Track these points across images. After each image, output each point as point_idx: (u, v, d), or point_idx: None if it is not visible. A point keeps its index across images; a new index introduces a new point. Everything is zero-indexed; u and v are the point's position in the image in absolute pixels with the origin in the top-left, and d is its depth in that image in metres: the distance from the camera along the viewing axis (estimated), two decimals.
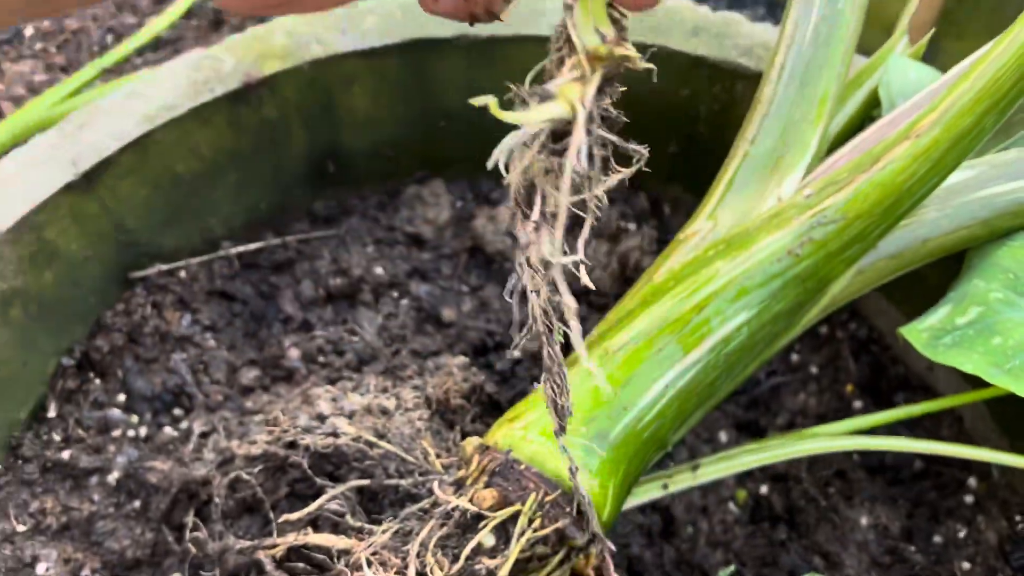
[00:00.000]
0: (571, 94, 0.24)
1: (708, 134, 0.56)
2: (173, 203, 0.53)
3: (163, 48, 0.87)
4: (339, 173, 0.59)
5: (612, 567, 0.35)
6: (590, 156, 0.24)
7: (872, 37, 1.05)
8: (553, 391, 0.30)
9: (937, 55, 1.01)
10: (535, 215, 0.24)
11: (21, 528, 0.48)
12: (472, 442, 0.39)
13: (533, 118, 0.23)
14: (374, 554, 0.34)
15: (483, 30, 0.54)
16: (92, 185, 0.48)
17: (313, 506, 0.39)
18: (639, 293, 0.42)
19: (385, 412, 0.43)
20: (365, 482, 0.40)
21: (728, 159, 0.45)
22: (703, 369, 0.39)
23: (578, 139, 0.23)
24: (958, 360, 0.38)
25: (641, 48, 0.51)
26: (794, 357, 0.56)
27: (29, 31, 0.88)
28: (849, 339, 0.57)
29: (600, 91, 0.24)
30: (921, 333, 0.40)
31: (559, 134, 0.24)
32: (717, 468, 0.44)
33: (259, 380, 0.52)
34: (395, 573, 0.33)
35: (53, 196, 0.46)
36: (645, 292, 0.42)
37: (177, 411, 0.52)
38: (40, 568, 0.46)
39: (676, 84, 0.54)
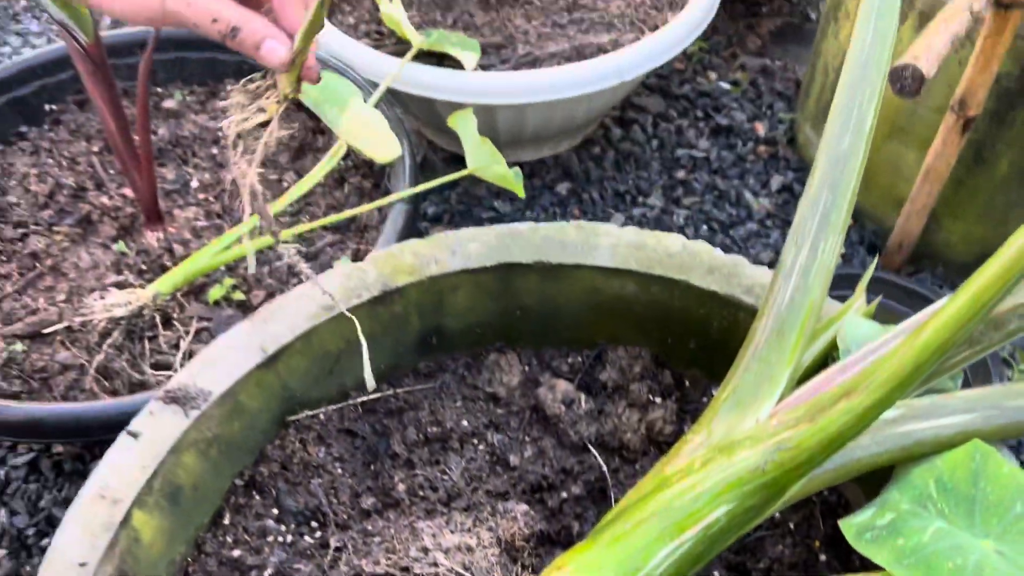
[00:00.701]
0: (272, 108, 0.57)
1: (719, 338, 0.74)
2: (323, 370, 0.73)
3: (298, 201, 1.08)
4: (439, 344, 0.79)
5: None
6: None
7: (885, 210, 1.23)
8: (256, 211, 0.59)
9: (939, 232, 1.18)
10: (242, 154, 0.58)
11: None
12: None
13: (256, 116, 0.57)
14: None
15: (551, 259, 0.73)
16: (273, 363, 0.68)
17: None
18: (653, 479, 0.60)
19: (470, 549, 0.62)
20: None
21: (725, 382, 0.63)
22: (693, 544, 0.56)
23: (273, 125, 0.56)
24: (873, 553, 0.55)
25: (670, 283, 0.72)
26: (777, 515, 0.73)
27: (195, 183, 1.11)
28: (821, 503, 0.74)
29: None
30: (852, 527, 0.57)
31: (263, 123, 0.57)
32: None
33: (374, 506, 0.71)
34: None
35: (248, 372, 0.66)
36: (657, 480, 0.59)
37: (314, 524, 0.71)
38: None
39: (695, 305, 0.72)
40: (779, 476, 0.56)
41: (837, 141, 0.63)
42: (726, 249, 1.29)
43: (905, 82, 0.80)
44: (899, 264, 1.20)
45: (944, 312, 0.49)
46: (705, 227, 1.32)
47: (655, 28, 1.24)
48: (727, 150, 1.43)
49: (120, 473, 0.61)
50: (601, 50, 1.21)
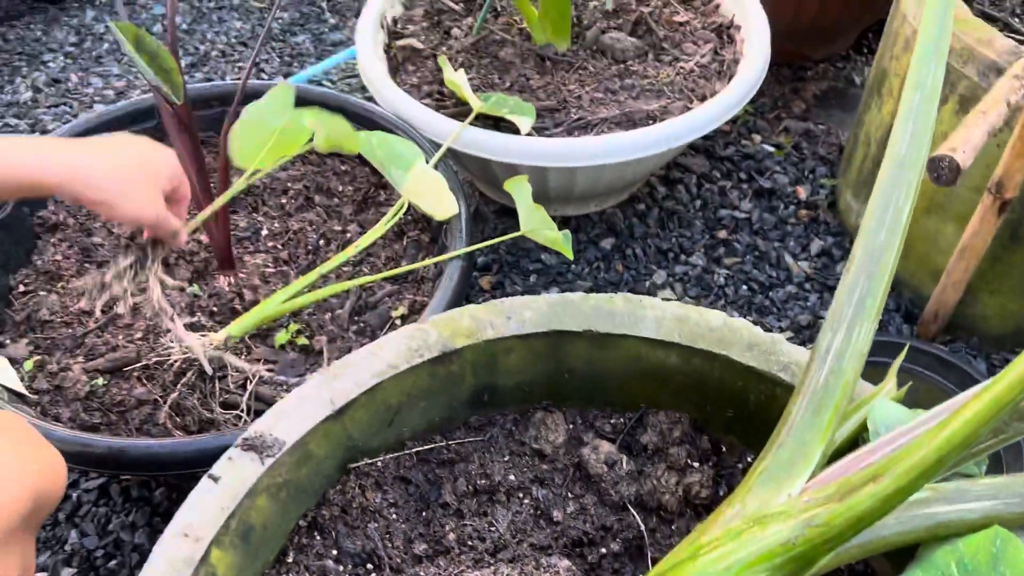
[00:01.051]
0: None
1: (755, 409, 0.79)
2: (383, 421, 0.78)
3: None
4: (490, 400, 0.84)
5: None
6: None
7: (922, 279, 1.26)
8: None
9: (974, 304, 1.21)
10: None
11: None
12: None
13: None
14: None
15: (600, 328, 0.78)
16: (340, 416, 0.74)
17: None
18: (689, 547, 0.64)
19: None
20: None
21: (760, 457, 0.67)
22: None
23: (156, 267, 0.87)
24: None
25: (711, 356, 0.76)
26: None
27: (264, 231, 1.18)
28: (850, 573, 0.77)
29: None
30: None
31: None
32: None
33: (426, 552, 0.76)
34: None
35: (317, 424, 0.73)
36: (693, 548, 0.64)
37: (370, 566, 0.76)
38: None
39: (734, 378, 0.77)
40: (808, 550, 0.60)
41: (874, 235, 0.68)
42: (764, 310, 1.33)
43: (942, 172, 0.85)
44: (934, 333, 1.23)
45: (968, 408, 0.53)
46: (745, 287, 1.37)
47: (703, 97, 1.30)
48: (769, 212, 1.48)
49: (201, 513, 0.67)
50: (650, 117, 1.27)
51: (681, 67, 1.37)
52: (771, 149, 1.59)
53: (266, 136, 0.91)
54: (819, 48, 1.74)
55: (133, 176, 0.81)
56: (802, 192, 1.50)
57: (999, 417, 0.51)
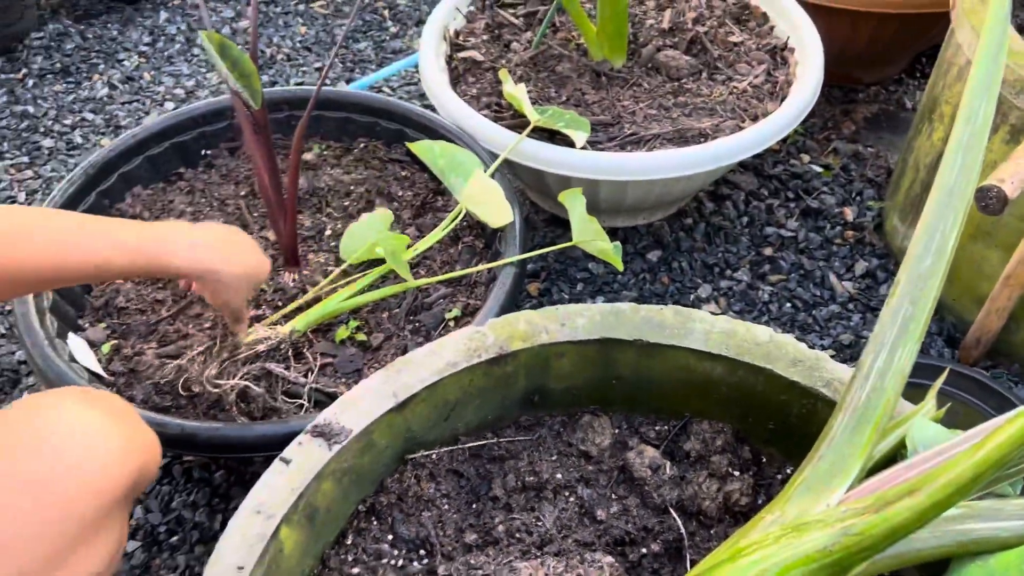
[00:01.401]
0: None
1: (797, 423, 0.82)
2: (440, 416, 0.83)
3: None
4: (541, 402, 0.89)
5: None
6: None
7: (965, 305, 1.28)
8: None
9: (1017, 332, 1.22)
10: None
11: None
12: None
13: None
14: None
15: (649, 338, 0.82)
16: (402, 408, 0.79)
17: None
18: (728, 550, 0.68)
19: None
20: None
21: (800, 468, 0.70)
22: None
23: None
24: None
25: (756, 369, 0.80)
26: None
27: (328, 231, 1.24)
28: None
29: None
30: None
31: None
32: None
33: (476, 541, 0.81)
34: None
35: (381, 415, 0.77)
36: (732, 551, 0.67)
37: (423, 552, 0.81)
38: None
39: (777, 392, 0.80)
40: (843, 557, 0.64)
41: (920, 260, 0.71)
42: (807, 328, 1.36)
43: (990, 202, 0.87)
44: (976, 359, 1.25)
45: (1004, 431, 0.56)
46: (789, 305, 1.39)
47: (755, 117, 1.33)
48: (815, 232, 1.50)
49: (273, 493, 0.72)
50: (702, 134, 1.31)
51: (734, 87, 1.40)
52: (819, 169, 1.61)
53: (364, 243, 1.13)
54: (871, 71, 1.76)
55: (243, 267, 0.93)
56: (849, 213, 1.52)
57: None
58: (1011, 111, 1.09)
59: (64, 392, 0.73)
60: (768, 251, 1.47)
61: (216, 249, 0.89)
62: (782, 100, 1.34)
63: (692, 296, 1.40)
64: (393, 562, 0.80)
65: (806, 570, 0.63)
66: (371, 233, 1.12)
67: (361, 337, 1.10)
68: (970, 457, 0.57)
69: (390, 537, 0.82)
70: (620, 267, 1.10)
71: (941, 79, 1.27)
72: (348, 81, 1.85)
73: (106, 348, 1.08)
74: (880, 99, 1.78)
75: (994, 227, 1.18)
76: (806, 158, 1.63)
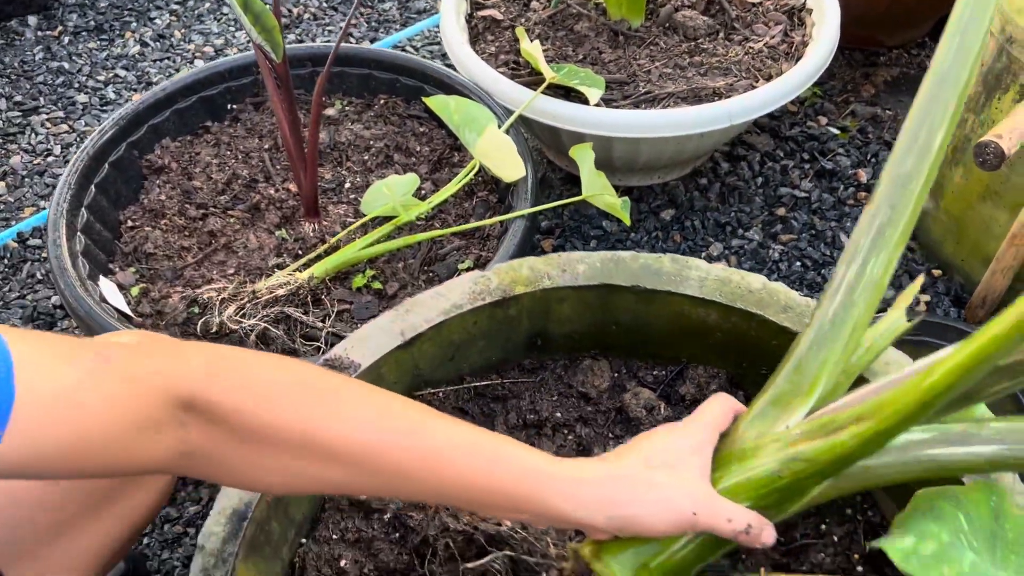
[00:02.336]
0: None
1: None
2: (446, 356, 0.87)
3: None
4: (543, 345, 0.93)
5: None
6: None
7: (973, 265, 1.29)
8: None
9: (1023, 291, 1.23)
10: None
11: (334, 537, 0.83)
12: (572, 547, 0.67)
13: None
14: None
15: (647, 285, 0.86)
16: (410, 346, 0.83)
17: (487, 558, 0.71)
18: None
19: None
20: (511, 553, 0.72)
21: (762, 391, 0.68)
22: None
23: None
24: None
25: (749, 316, 0.83)
26: (823, 527, 0.83)
27: (347, 184, 1.28)
28: (865, 521, 0.84)
29: None
30: (898, 552, 0.62)
31: None
32: None
33: None
34: None
35: (389, 352, 0.82)
36: None
37: None
38: (341, 563, 0.81)
39: (769, 337, 0.83)
40: (794, 482, 0.61)
41: (902, 160, 0.64)
42: (815, 286, 1.38)
43: (987, 157, 0.89)
44: (981, 318, 1.26)
45: (951, 359, 0.53)
46: (799, 263, 1.41)
47: (769, 78, 1.34)
48: (828, 193, 1.51)
49: None
50: (716, 93, 1.32)
51: (750, 47, 1.42)
52: (836, 132, 1.62)
53: (383, 204, 1.16)
54: (894, 34, 1.75)
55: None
56: (863, 176, 1.53)
57: (982, 370, 0.52)
58: (1021, 71, 1.10)
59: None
60: (781, 211, 1.49)
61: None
62: (797, 60, 1.35)
63: (703, 254, 1.43)
64: None
65: (755, 495, 0.61)
66: (396, 195, 1.15)
67: (377, 285, 1.15)
68: (917, 387, 0.54)
69: None
70: (628, 222, 1.13)
71: None
72: (372, 41, 1.88)
73: (135, 291, 1.14)
74: (902, 62, 1.77)
75: (1003, 187, 1.19)
76: (823, 120, 1.64)
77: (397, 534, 0.82)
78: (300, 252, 1.18)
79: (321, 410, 0.56)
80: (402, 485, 0.58)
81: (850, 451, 0.59)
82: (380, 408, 0.59)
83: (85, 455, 0.49)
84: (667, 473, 0.60)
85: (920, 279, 0.69)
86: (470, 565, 0.73)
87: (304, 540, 0.81)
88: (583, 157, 1.10)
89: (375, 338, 0.83)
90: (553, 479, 0.58)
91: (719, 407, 0.66)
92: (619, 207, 1.11)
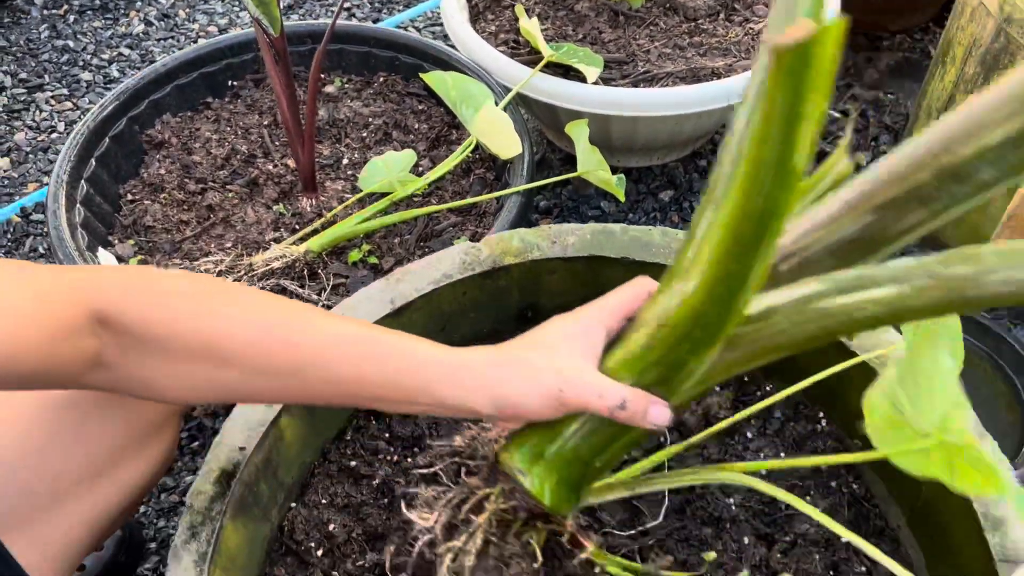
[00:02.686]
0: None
1: None
2: (437, 326, 0.88)
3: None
4: (534, 317, 0.93)
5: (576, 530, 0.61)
6: None
7: None
8: None
9: None
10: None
11: (323, 502, 0.84)
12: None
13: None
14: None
15: (636, 256, 0.86)
16: (399, 315, 0.84)
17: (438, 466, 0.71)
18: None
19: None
20: (457, 459, 0.70)
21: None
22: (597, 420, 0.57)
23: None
24: None
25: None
26: (807, 498, 0.84)
27: (345, 160, 1.29)
28: (849, 494, 0.84)
29: None
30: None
31: None
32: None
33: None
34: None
35: (378, 320, 0.83)
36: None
37: (416, 450, 0.87)
38: (330, 527, 0.82)
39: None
40: (666, 354, 0.55)
41: None
42: None
43: None
44: None
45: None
46: None
47: None
48: None
49: None
50: (715, 74, 1.32)
51: (751, 28, 1.41)
52: (837, 115, 1.61)
53: (381, 179, 1.16)
54: (897, 19, 1.74)
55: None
56: (863, 159, 1.53)
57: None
58: (1019, 51, 1.10)
59: None
60: None
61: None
62: None
63: None
64: (389, 458, 0.86)
65: (636, 371, 0.56)
66: (394, 171, 1.16)
67: (373, 260, 1.15)
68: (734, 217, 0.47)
69: (387, 435, 0.87)
70: (622, 198, 1.13)
71: (956, 20, 1.26)
72: (375, 21, 1.88)
73: (133, 263, 1.15)
74: (905, 47, 1.76)
75: None
76: None
77: (385, 499, 0.83)
78: (297, 227, 1.19)
79: (218, 315, 0.57)
80: (299, 387, 0.58)
81: (700, 304, 0.51)
82: (274, 308, 0.59)
83: (2, 363, 0.50)
84: (542, 352, 0.59)
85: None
86: (421, 471, 0.69)
87: (293, 504, 0.82)
88: (578, 133, 1.10)
89: (364, 305, 0.84)
90: (440, 366, 0.58)
91: (629, 290, 0.63)
92: (613, 183, 1.11)
